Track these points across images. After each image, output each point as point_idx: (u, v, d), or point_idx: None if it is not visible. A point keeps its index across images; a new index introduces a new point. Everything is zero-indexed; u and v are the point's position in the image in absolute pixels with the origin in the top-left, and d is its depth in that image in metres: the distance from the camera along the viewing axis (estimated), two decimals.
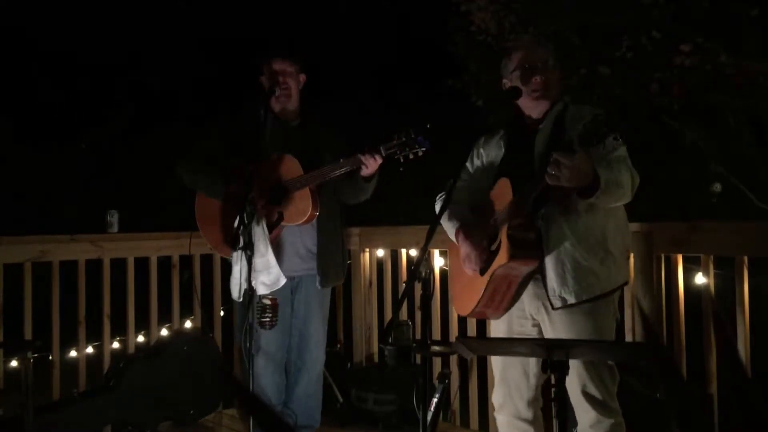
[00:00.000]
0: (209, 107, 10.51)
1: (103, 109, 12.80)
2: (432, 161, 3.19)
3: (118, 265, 4.28)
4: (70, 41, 12.01)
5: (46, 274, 4.02)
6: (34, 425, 3.24)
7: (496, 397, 2.79)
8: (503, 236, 2.52)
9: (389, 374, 4.07)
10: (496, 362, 2.80)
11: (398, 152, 3.16)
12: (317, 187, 3.38)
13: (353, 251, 4.56)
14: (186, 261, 4.34)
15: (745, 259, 2.91)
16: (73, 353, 4.27)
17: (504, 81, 2.77)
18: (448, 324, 4.00)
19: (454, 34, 8.33)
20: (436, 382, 3.72)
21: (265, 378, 3.48)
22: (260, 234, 3.20)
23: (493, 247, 2.58)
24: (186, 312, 4.60)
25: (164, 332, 4.47)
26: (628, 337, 3.22)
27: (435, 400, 3.60)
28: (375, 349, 4.56)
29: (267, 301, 3.24)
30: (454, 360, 3.98)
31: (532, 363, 2.66)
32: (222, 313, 4.50)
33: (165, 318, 4.45)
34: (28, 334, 3.95)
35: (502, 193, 2.59)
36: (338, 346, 4.64)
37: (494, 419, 2.86)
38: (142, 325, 4.41)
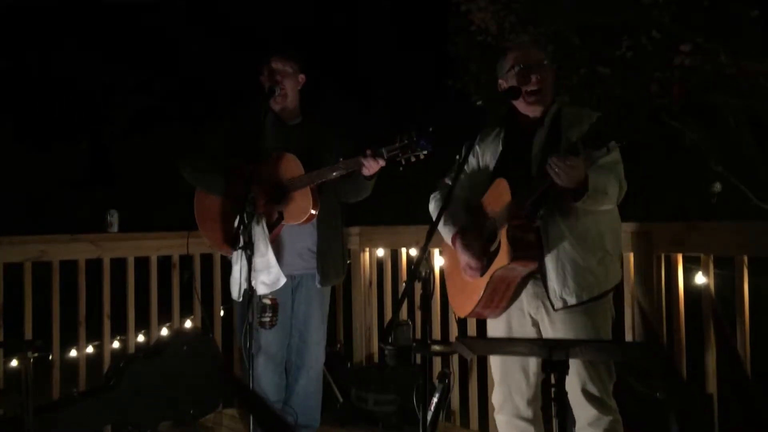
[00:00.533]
0: (209, 107, 10.52)
1: (103, 109, 12.81)
2: (432, 161, 3.19)
3: (118, 265, 4.28)
4: (71, 41, 12.02)
5: (46, 274, 4.02)
6: (34, 425, 3.24)
7: (496, 397, 2.79)
8: (503, 237, 2.52)
9: (389, 374, 4.07)
10: (495, 362, 2.80)
11: (400, 155, 3.15)
12: (317, 187, 3.38)
13: (353, 251, 4.56)
14: (186, 261, 4.34)
15: (745, 259, 2.91)
16: (73, 353, 4.27)
17: (500, 81, 2.78)
18: (448, 324, 4.00)
19: (454, 34, 8.32)
20: (436, 382, 3.71)
21: (265, 377, 3.48)
22: (260, 234, 3.20)
23: (492, 248, 2.58)
24: (186, 312, 4.60)
25: (164, 332, 4.47)
26: (628, 337, 3.22)
27: (435, 400, 3.60)
28: (375, 349, 4.56)
29: (267, 301, 3.24)
30: (454, 360, 3.98)
31: (532, 362, 2.67)
32: (222, 313, 4.50)
33: (165, 318, 4.45)
34: (28, 334, 3.95)
35: (499, 193, 2.59)
36: (338, 346, 4.64)
37: (494, 419, 2.86)
38: (142, 325, 4.41)
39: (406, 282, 4.19)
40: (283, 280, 3.30)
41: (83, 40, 12.12)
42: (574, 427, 2.62)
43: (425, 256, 2.38)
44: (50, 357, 4.07)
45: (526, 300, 2.64)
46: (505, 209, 2.54)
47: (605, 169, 2.47)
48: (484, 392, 3.82)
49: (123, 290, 4.28)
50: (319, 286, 3.57)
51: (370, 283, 4.61)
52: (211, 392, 4.18)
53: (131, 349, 4.28)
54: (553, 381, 1.98)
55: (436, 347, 3.78)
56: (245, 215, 3.04)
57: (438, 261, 4.04)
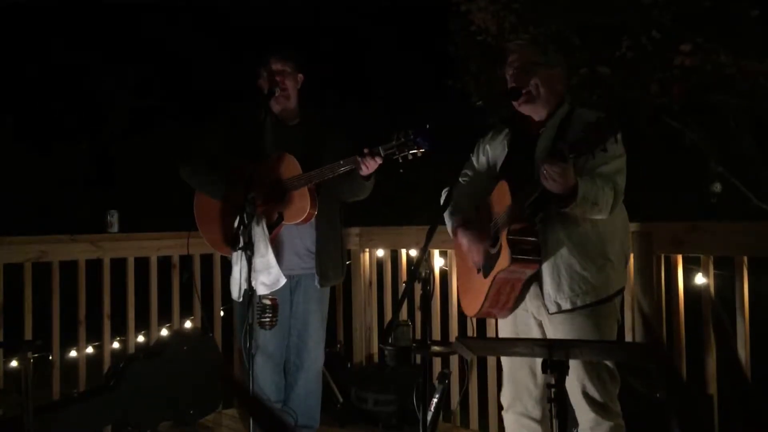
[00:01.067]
0: (209, 107, 10.50)
1: (103, 109, 12.81)
2: (432, 161, 3.19)
3: (118, 265, 4.28)
4: (71, 41, 12.02)
5: (46, 274, 4.02)
6: (33, 425, 3.24)
7: (505, 397, 2.80)
8: (503, 240, 2.52)
9: (389, 374, 4.07)
10: (504, 362, 2.81)
11: (397, 153, 3.15)
12: (316, 187, 3.39)
13: (353, 251, 4.56)
14: (186, 261, 4.34)
15: (745, 259, 2.91)
16: (73, 353, 4.27)
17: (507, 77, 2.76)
18: (448, 324, 4.00)
19: (454, 34, 8.32)
20: (436, 382, 3.72)
21: (264, 377, 3.48)
22: (260, 234, 3.20)
23: (494, 251, 2.58)
24: (186, 312, 4.59)
25: (164, 332, 4.47)
26: (628, 337, 3.22)
27: (435, 400, 3.60)
28: (375, 349, 4.56)
29: (267, 301, 3.24)
30: (454, 360, 3.98)
31: (539, 362, 2.67)
32: (222, 313, 4.50)
33: (165, 318, 4.45)
34: (28, 334, 3.95)
35: (501, 195, 2.59)
36: (338, 346, 4.64)
37: (494, 418, 2.86)
38: (142, 325, 4.41)
39: (406, 282, 4.19)
40: (283, 281, 3.30)
41: (83, 40, 12.13)
42: (576, 429, 2.62)
43: (425, 257, 2.38)
44: (50, 357, 4.07)
45: (529, 301, 2.64)
46: (506, 212, 2.54)
47: (602, 178, 2.43)
48: (484, 392, 3.82)
49: (123, 290, 4.28)
50: (318, 286, 3.57)
51: (370, 283, 4.61)
52: (211, 392, 4.18)
53: (131, 350, 4.28)
54: (552, 381, 1.98)
55: (436, 348, 3.79)
56: (245, 216, 3.04)
57: (438, 261, 4.05)
